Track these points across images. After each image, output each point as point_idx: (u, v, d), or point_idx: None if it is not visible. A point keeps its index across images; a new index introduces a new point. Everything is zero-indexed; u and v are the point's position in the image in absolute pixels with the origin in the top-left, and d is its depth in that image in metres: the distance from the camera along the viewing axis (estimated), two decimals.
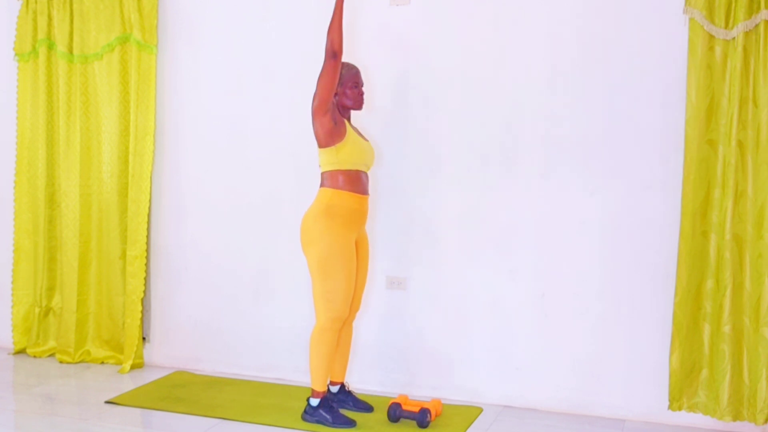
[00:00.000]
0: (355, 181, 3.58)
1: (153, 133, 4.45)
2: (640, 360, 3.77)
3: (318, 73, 3.53)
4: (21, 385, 4.28)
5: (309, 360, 3.58)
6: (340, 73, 3.57)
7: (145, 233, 4.46)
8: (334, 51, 3.43)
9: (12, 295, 4.80)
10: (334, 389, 3.82)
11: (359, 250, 3.70)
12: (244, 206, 4.42)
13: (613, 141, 3.77)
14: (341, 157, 3.54)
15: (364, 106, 3.74)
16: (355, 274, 3.59)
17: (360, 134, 3.68)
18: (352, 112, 3.82)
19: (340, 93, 3.61)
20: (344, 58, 3.89)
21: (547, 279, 3.91)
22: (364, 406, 3.82)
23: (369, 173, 3.77)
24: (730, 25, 3.45)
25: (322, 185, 3.60)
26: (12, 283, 4.80)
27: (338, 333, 3.61)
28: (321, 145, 3.56)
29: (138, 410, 3.83)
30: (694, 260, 3.56)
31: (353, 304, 3.75)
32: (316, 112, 3.49)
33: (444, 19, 4.02)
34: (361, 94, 3.66)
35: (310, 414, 3.62)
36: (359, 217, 3.61)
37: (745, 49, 3.42)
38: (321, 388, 3.58)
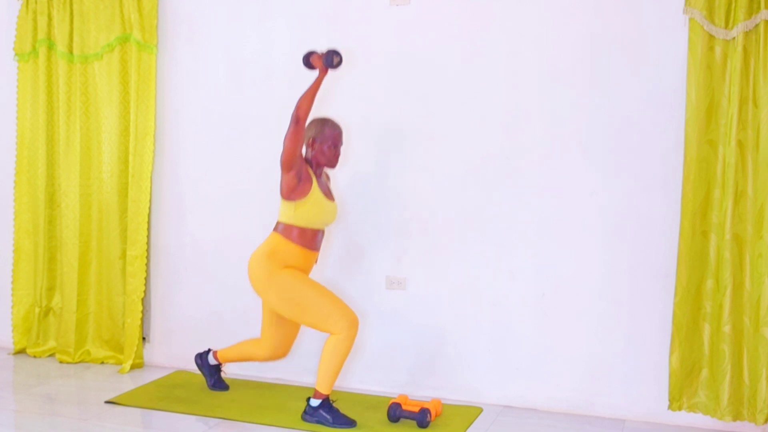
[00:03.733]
0: (308, 239, 3.68)
1: (153, 133, 4.45)
2: (640, 360, 3.77)
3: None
4: (21, 385, 4.28)
5: (321, 362, 3.56)
6: (323, 131, 3.66)
7: (145, 233, 4.46)
8: (297, 117, 3.51)
9: (12, 295, 4.80)
10: (214, 362, 4.10)
11: None
12: (244, 206, 4.42)
13: (613, 141, 3.77)
14: (298, 214, 3.61)
15: (337, 166, 3.78)
16: (319, 284, 3.67)
17: (327, 192, 3.73)
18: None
19: (318, 149, 3.67)
20: (344, 65, 3.90)
21: (547, 279, 3.91)
22: (222, 386, 4.09)
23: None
24: (730, 25, 3.45)
25: (275, 229, 3.70)
26: (12, 283, 4.80)
27: (355, 338, 3.61)
28: (282, 196, 3.64)
29: (138, 410, 3.84)
30: (694, 260, 3.56)
31: (282, 349, 3.89)
32: (282, 167, 3.57)
33: (444, 19, 4.02)
34: (338, 155, 3.72)
35: (310, 414, 3.62)
36: (305, 268, 3.73)
37: (745, 49, 3.42)
38: (327, 391, 3.58)
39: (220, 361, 4.10)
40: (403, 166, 4.13)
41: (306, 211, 3.61)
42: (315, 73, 3.63)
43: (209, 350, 4.14)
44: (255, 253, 3.70)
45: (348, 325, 3.53)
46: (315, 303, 3.57)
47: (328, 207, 3.69)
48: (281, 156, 3.56)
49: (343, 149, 3.80)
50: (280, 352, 3.92)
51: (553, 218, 3.88)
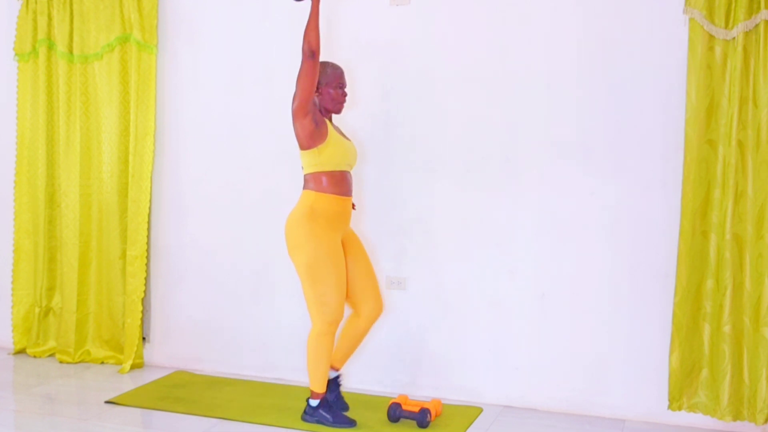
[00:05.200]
0: (339, 183, 3.55)
1: (153, 133, 4.45)
2: (640, 360, 3.77)
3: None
4: (21, 385, 4.28)
5: (307, 363, 3.57)
6: (325, 71, 3.55)
7: (145, 233, 4.46)
8: (311, 50, 3.39)
9: (12, 295, 4.80)
10: (332, 374, 3.75)
11: (350, 247, 3.67)
12: (244, 206, 4.42)
13: (613, 141, 3.77)
14: (323, 158, 3.51)
15: (343, 109, 3.66)
16: (344, 276, 3.56)
17: (342, 134, 3.65)
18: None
19: (324, 92, 3.57)
20: (343, 59, 3.90)
21: (547, 279, 3.91)
22: (342, 405, 3.76)
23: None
24: (730, 25, 3.45)
25: (305, 187, 3.58)
26: (12, 283, 4.80)
27: (335, 336, 3.56)
28: (303, 147, 3.53)
29: (138, 410, 3.83)
30: (694, 260, 3.56)
31: (371, 302, 3.69)
32: (297, 114, 3.46)
33: (444, 19, 4.02)
34: (344, 95, 3.62)
35: (310, 414, 3.62)
36: (343, 218, 3.60)
37: (745, 49, 3.42)
38: (320, 389, 3.57)
39: (339, 368, 3.78)
40: (403, 166, 4.13)
41: (331, 153, 3.50)
42: (305, 5, 3.51)
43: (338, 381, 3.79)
44: (290, 215, 3.56)
45: (331, 321, 3.48)
46: (326, 286, 3.47)
47: (348, 146, 3.60)
48: (296, 100, 3.45)
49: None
50: (373, 305, 3.69)
51: (553, 218, 3.88)
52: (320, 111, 3.59)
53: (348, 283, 3.66)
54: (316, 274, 3.48)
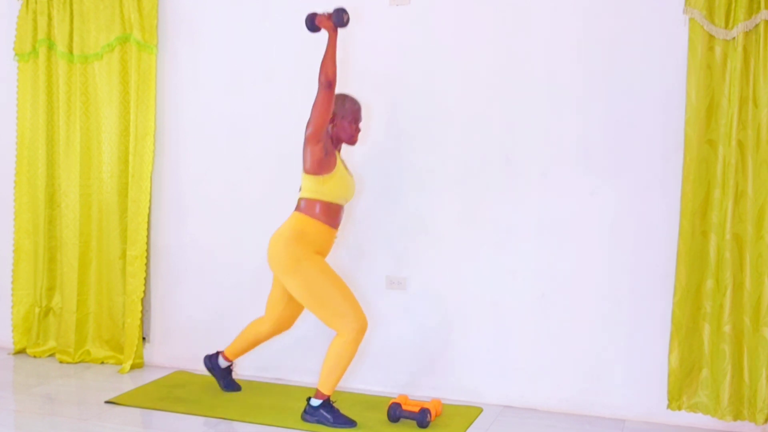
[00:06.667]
0: (332, 214, 3.64)
1: (153, 133, 4.45)
2: (640, 360, 3.77)
3: (313, 99, 3.54)
4: (21, 385, 4.28)
5: (326, 363, 3.55)
6: (344, 105, 3.63)
7: (145, 233, 4.46)
8: (329, 81, 3.46)
9: (12, 295, 4.80)
10: (225, 364, 4.06)
11: None
12: (244, 206, 4.42)
13: (613, 141, 3.77)
14: (325, 188, 3.57)
15: (357, 142, 3.77)
16: (343, 281, 3.63)
17: (346, 168, 3.72)
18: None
19: (339, 124, 3.64)
20: (342, 59, 3.90)
21: (547, 279, 3.91)
22: (235, 386, 4.08)
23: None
24: (730, 25, 3.45)
25: (297, 209, 3.65)
26: (12, 283, 4.80)
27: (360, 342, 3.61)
28: (307, 172, 3.58)
29: (138, 410, 3.84)
30: (693, 260, 3.56)
31: (286, 320, 3.87)
32: (309, 140, 3.51)
33: (444, 19, 4.02)
34: (358, 130, 3.70)
35: (310, 414, 3.62)
36: (327, 246, 3.70)
37: (745, 49, 3.42)
38: (329, 392, 3.58)
39: (230, 359, 4.07)
40: (403, 166, 4.13)
41: (334, 186, 3.57)
42: (323, 35, 3.57)
43: (218, 353, 4.12)
44: (277, 234, 3.61)
45: (358, 328, 3.53)
46: (334, 300, 3.53)
47: (350, 182, 3.67)
48: (310, 127, 3.49)
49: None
50: (284, 326, 3.91)
51: (553, 218, 3.88)
52: (332, 140, 3.64)
53: (287, 296, 3.80)
54: (318, 294, 3.55)
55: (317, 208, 3.59)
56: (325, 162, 3.53)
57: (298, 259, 3.54)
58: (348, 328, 3.51)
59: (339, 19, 3.47)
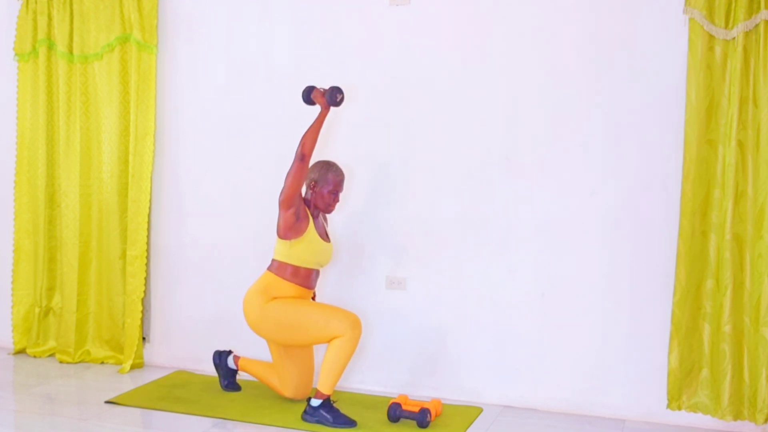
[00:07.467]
0: (302, 278, 3.71)
1: (153, 134, 4.45)
2: (640, 360, 3.77)
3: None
4: (21, 385, 4.28)
5: (324, 363, 3.56)
6: (326, 175, 3.69)
7: (145, 233, 4.46)
8: (303, 154, 3.55)
9: (12, 295, 4.80)
10: (234, 367, 4.08)
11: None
12: (244, 206, 4.42)
13: (613, 141, 3.77)
14: (293, 252, 3.64)
15: (334, 211, 3.82)
16: (307, 300, 3.70)
17: (323, 233, 3.76)
18: None
19: (318, 192, 3.71)
20: (342, 60, 3.90)
21: (547, 279, 3.91)
22: (235, 387, 4.09)
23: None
24: (730, 25, 3.45)
25: (269, 268, 3.73)
26: (12, 283, 4.80)
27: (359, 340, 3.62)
28: (278, 234, 3.66)
29: (138, 410, 3.83)
30: (693, 260, 3.56)
31: (302, 387, 3.87)
32: (281, 204, 3.59)
33: (444, 19, 4.02)
34: (336, 201, 3.75)
35: (310, 414, 3.62)
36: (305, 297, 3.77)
37: (745, 49, 3.42)
38: (329, 391, 3.59)
39: (240, 369, 4.08)
40: (403, 166, 4.13)
41: (302, 250, 3.65)
42: (316, 109, 3.67)
43: (230, 352, 4.11)
44: (248, 291, 3.73)
45: (350, 325, 3.54)
46: (310, 318, 3.59)
47: (323, 247, 3.73)
48: (282, 193, 3.58)
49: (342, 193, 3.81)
50: (302, 390, 3.89)
51: (553, 218, 3.88)
52: (309, 205, 3.70)
53: (283, 351, 3.81)
54: (293, 325, 3.61)
55: (287, 271, 3.69)
56: (296, 227, 3.61)
57: (261, 307, 3.64)
58: (339, 329, 3.53)
59: (332, 98, 3.60)
